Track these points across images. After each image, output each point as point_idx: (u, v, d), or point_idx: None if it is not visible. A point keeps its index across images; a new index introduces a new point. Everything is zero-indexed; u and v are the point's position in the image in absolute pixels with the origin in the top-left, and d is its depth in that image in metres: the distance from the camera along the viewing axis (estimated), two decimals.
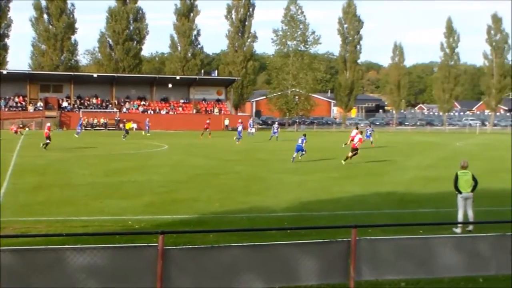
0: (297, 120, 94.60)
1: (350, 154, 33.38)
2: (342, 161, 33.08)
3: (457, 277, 10.15)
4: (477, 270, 9.94)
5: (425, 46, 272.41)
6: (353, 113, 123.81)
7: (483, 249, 9.84)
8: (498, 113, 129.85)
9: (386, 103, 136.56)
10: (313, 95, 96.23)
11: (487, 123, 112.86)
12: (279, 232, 13.27)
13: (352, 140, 37.31)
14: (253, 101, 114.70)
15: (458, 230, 15.35)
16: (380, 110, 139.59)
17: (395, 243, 9.61)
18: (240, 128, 55.27)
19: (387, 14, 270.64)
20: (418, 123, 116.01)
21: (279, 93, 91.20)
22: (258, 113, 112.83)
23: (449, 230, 15.03)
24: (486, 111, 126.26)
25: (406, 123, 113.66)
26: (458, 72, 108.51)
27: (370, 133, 49.08)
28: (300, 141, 34.27)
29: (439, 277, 10.03)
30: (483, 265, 9.83)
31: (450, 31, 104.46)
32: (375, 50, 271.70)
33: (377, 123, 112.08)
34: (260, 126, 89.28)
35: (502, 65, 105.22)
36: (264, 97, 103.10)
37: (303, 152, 34.40)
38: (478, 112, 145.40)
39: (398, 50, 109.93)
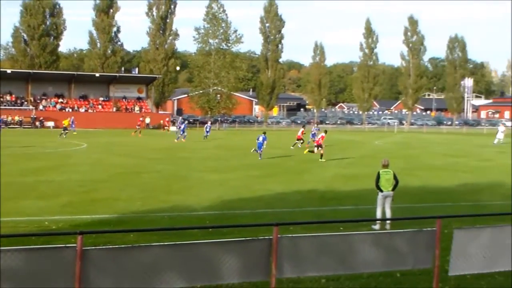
0: (219, 119, 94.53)
1: (316, 150, 35.88)
2: (320, 160, 34.72)
3: (376, 272, 10.34)
4: (394, 265, 10.12)
5: (345, 46, 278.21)
6: (275, 111, 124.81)
7: (400, 244, 10.01)
8: (414, 112, 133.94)
9: (307, 102, 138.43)
10: (235, 93, 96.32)
11: (404, 122, 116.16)
12: (201, 231, 13.18)
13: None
14: (174, 100, 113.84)
15: (376, 226, 15.67)
16: (301, 109, 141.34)
17: (316, 240, 9.66)
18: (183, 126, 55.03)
19: (308, 14, 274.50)
20: (338, 122, 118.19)
21: (201, 91, 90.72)
22: (179, 111, 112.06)
23: (368, 226, 15.32)
24: (404, 110, 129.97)
25: (326, 122, 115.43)
26: (377, 72, 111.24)
27: (315, 133, 49.50)
28: (261, 139, 35.60)
29: (359, 273, 10.19)
30: (400, 260, 10.01)
31: (369, 32, 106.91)
32: (296, 49, 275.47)
33: (298, 122, 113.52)
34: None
35: (418, 66, 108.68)
36: (186, 95, 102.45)
37: (261, 150, 35.45)
38: (396, 111, 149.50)
39: (319, 50, 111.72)
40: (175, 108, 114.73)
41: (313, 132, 47.23)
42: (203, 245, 9.26)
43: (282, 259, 9.25)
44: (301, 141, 43.66)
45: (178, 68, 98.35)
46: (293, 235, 9.60)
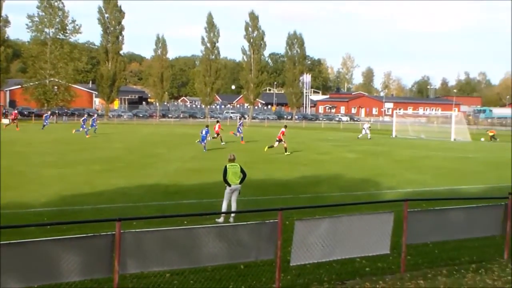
0: (57, 111, 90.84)
1: (276, 145, 38.65)
2: (286, 153, 37.30)
3: (220, 265, 10.38)
4: (238, 258, 10.21)
5: (188, 40, 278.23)
6: (116, 104, 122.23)
7: (244, 237, 10.12)
8: (256, 107, 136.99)
9: (149, 95, 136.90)
10: (73, 85, 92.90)
11: (246, 116, 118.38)
12: (39, 229, 12.49)
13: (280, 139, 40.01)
14: (6, 90, 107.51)
15: (221, 220, 15.76)
16: (143, 102, 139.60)
17: (160, 234, 9.52)
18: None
19: (149, 6, 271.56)
20: (181, 116, 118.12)
21: (36, 82, 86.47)
22: (12, 103, 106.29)
23: (212, 220, 15.36)
24: (246, 105, 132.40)
25: (169, 116, 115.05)
26: (219, 66, 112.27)
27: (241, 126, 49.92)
28: (204, 132, 38.64)
29: (203, 266, 10.17)
30: (244, 252, 10.12)
31: (211, 26, 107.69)
32: (137, 42, 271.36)
33: (141, 115, 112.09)
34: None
35: (259, 61, 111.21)
36: (19, 86, 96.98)
37: (204, 142, 38.63)
38: (238, 106, 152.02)
39: (161, 43, 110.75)
40: (8, 100, 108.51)
41: (238, 127, 49.16)
42: (41, 243, 8.78)
43: (125, 255, 9.02)
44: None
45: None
46: (137, 230, 9.39)
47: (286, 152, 37.62)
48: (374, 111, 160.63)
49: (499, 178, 27.44)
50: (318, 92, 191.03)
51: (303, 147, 43.96)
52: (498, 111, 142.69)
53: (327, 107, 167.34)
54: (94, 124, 53.87)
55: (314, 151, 41.93)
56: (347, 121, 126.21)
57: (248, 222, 10.53)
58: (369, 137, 57.64)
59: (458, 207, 12.84)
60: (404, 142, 54.55)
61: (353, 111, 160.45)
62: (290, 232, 10.42)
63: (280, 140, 38.59)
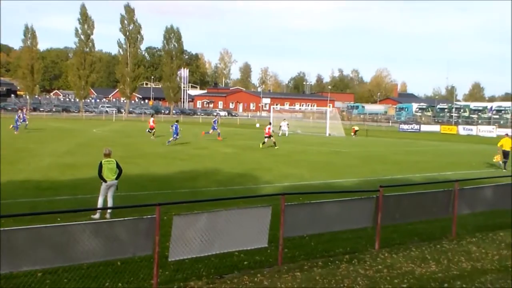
0: None
1: (267, 140, 42.58)
2: (276, 147, 41.34)
3: (96, 262, 10.09)
4: (115, 254, 9.98)
5: (60, 31, 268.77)
6: None
7: (121, 233, 9.91)
8: (133, 101, 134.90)
9: (18, 87, 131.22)
10: None
11: (123, 110, 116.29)
12: None
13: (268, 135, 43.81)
14: None
15: (96, 216, 15.33)
16: (12, 95, 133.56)
17: (32, 232, 9.10)
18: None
19: None
20: (54, 109, 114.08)
21: None
22: None
23: (87, 216, 14.91)
24: (122, 99, 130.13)
25: (41, 109, 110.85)
26: (93, 59, 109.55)
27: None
28: (174, 128, 41.21)
29: (78, 264, 9.86)
30: (121, 249, 9.90)
31: (85, 18, 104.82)
32: (4, 32, 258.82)
33: (9, 109, 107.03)
34: None
35: (135, 55, 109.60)
36: None
37: (177, 137, 41.05)
38: (114, 100, 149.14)
39: (30, 33, 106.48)
40: None
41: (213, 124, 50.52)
42: None
43: None
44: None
45: None
46: (5, 228, 8.92)
47: (275, 146, 41.96)
48: (252, 106, 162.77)
49: (371, 171, 28.62)
50: (196, 87, 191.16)
51: (180, 141, 43.70)
52: (369, 107, 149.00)
53: (205, 102, 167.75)
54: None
55: (191, 145, 41.84)
56: (225, 116, 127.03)
57: (125, 218, 10.30)
58: (286, 134, 58.64)
59: (333, 200, 13.20)
60: (281, 137, 55.62)
61: (231, 106, 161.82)
62: (168, 227, 10.31)
63: (269, 136, 42.89)
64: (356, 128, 66.41)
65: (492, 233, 14.96)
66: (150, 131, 48.38)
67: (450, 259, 12.33)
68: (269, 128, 44.66)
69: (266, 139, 42.54)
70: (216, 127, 49.94)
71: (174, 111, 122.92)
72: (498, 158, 32.18)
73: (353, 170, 29.18)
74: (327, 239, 13.39)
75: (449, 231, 14.70)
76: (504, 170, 30.32)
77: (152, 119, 49.63)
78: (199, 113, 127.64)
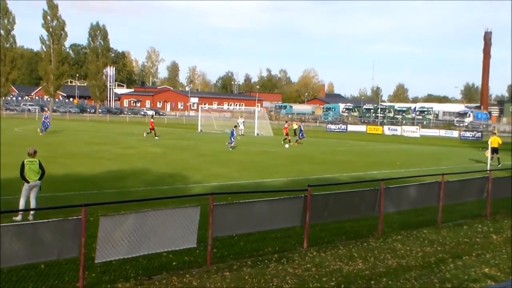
0: None
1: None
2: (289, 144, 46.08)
3: (19, 266, 9.77)
4: (39, 257, 9.71)
5: None
6: None
7: (45, 235, 9.63)
8: (57, 99, 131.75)
9: None
10: None
11: (46, 108, 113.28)
12: None
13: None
14: None
15: (18, 218, 14.85)
16: None
17: None
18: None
19: None
20: None
21: None
22: None
23: (9, 218, 14.39)
24: (46, 97, 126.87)
25: None
26: (15, 55, 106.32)
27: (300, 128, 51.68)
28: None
29: None
30: (45, 251, 9.64)
31: (6, 12, 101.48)
32: None
33: None
34: None
35: (60, 52, 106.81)
36: None
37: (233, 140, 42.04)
38: (37, 98, 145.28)
39: None
40: None
41: (300, 128, 50.98)
42: None
43: None
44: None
45: None
46: None
47: (289, 143, 46.64)
48: (180, 105, 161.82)
49: (300, 171, 28.89)
50: (123, 86, 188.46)
51: (107, 141, 43.03)
52: (297, 107, 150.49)
53: (132, 101, 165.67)
54: None
55: (119, 145, 41.22)
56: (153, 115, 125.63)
57: (50, 220, 10.00)
58: (241, 133, 58.41)
59: (261, 200, 13.23)
60: (210, 137, 55.54)
61: (159, 105, 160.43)
62: (95, 229, 10.10)
63: (288, 134, 48.08)
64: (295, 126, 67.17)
65: (416, 231, 15.33)
66: (150, 131, 50.40)
67: (377, 256, 12.54)
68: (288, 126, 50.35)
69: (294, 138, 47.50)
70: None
71: (100, 110, 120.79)
72: (487, 154, 34.69)
73: (281, 170, 29.37)
74: (256, 238, 13.40)
75: (376, 229, 14.98)
76: (498, 165, 33.45)
77: (152, 120, 52.19)
78: (126, 112, 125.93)
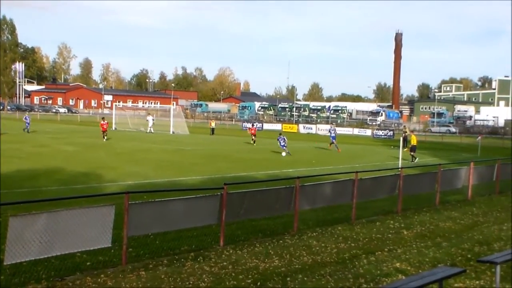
0: None
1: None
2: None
3: None
4: None
5: None
6: None
7: None
8: None
9: None
10: None
11: None
12: None
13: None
14: None
15: None
16: None
17: None
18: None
19: None
20: None
21: None
22: None
23: None
24: None
25: None
26: None
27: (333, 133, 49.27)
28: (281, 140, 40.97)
29: None
30: None
31: None
32: None
33: None
34: None
35: None
36: None
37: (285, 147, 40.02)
38: None
39: None
40: None
41: (332, 135, 47.77)
42: None
43: None
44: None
45: None
46: None
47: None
48: (94, 103, 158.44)
49: (216, 169, 28.90)
50: (33, 82, 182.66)
51: (18, 139, 41.65)
52: (213, 106, 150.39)
53: (43, 98, 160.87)
54: None
55: (30, 143, 40.01)
56: (65, 112, 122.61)
57: None
58: (150, 130, 57.44)
59: (177, 198, 13.14)
60: (124, 135, 54.74)
61: (71, 102, 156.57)
62: (4, 229, 9.74)
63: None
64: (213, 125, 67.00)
65: (331, 228, 15.62)
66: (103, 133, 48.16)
67: (292, 253, 12.70)
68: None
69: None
70: (334, 138, 46.81)
71: (8, 107, 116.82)
72: (407, 151, 38.48)
73: (198, 168, 29.30)
74: (172, 237, 13.33)
75: (291, 227, 15.16)
76: (412, 162, 35.80)
77: (104, 121, 48.93)
78: (36, 109, 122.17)
